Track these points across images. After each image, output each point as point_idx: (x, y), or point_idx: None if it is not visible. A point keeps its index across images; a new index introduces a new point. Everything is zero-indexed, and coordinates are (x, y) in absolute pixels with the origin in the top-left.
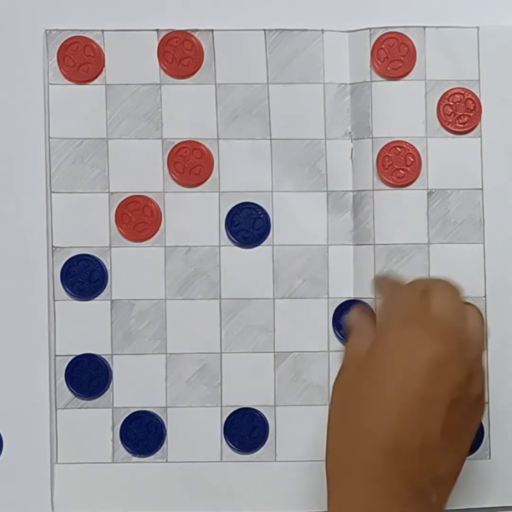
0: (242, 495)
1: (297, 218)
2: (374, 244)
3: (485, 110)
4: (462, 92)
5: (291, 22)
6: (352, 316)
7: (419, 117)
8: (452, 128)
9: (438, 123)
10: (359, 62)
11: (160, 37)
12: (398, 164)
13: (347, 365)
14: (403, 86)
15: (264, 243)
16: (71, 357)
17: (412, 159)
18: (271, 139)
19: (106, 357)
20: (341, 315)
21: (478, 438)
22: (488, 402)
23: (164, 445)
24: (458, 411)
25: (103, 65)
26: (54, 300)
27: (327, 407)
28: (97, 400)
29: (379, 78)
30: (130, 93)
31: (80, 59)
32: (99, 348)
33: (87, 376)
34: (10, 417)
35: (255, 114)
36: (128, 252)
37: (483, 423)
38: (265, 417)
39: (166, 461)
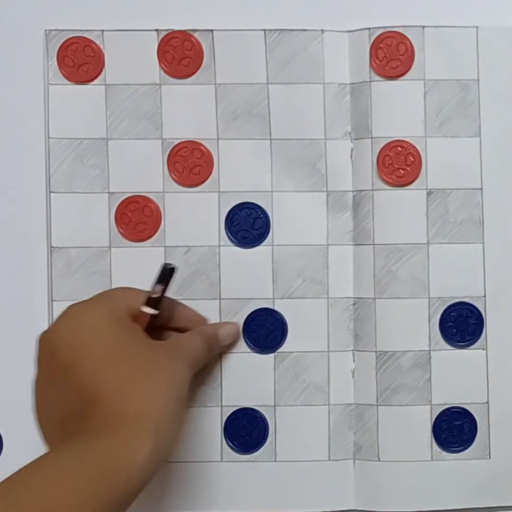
0: (242, 495)
1: (297, 218)
2: (373, 244)
3: (484, 110)
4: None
5: (291, 22)
6: None
7: (418, 116)
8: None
9: (438, 123)
10: (359, 62)
11: (160, 37)
12: (398, 164)
13: None
14: (402, 85)
15: (264, 243)
16: None
17: (412, 159)
18: (271, 139)
19: None
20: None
21: (470, 435)
22: (487, 403)
23: None
24: None
25: (103, 65)
26: (52, 301)
27: (327, 407)
28: None
29: (378, 77)
30: (130, 93)
31: (80, 59)
32: None
33: None
34: (10, 417)
35: (255, 114)
36: (128, 252)
37: (483, 423)
38: (265, 417)
39: (167, 461)
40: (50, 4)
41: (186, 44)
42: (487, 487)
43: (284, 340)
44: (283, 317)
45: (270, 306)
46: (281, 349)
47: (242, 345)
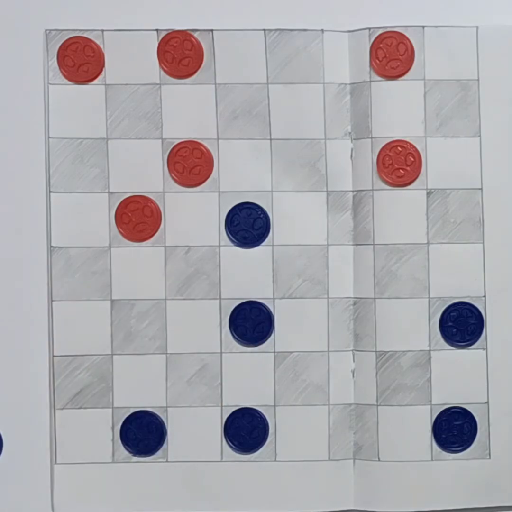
0: (242, 495)
1: (297, 218)
2: (373, 244)
3: (484, 110)
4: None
5: (291, 22)
6: None
7: (418, 116)
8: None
9: (438, 123)
10: (359, 62)
11: (160, 37)
12: (398, 164)
13: None
14: (402, 85)
15: (264, 243)
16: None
17: (412, 159)
18: (271, 139)
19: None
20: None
21: (470, 435)
22: (487, 403)
23: (165, 445)
24: None
25: (103, 65)
26: (52, 301)
27: (327, 407)
28: (97, 400)
29: (378, 77)
30: (130, 93)
31: (80, 59)
32: (99, 348)
33: None
34: (10, 417)
35: (255, 114)
36: (128, 252)
37: (483, 423)
38: (265, 417)
39: (167, 461)
40: (50, 4)
41: (186, 44)
42: (487, 487)
43: (284, 340)
44: (283, 316)
45: (270, 306)
46: (281, 349)
47: (241, 345)
